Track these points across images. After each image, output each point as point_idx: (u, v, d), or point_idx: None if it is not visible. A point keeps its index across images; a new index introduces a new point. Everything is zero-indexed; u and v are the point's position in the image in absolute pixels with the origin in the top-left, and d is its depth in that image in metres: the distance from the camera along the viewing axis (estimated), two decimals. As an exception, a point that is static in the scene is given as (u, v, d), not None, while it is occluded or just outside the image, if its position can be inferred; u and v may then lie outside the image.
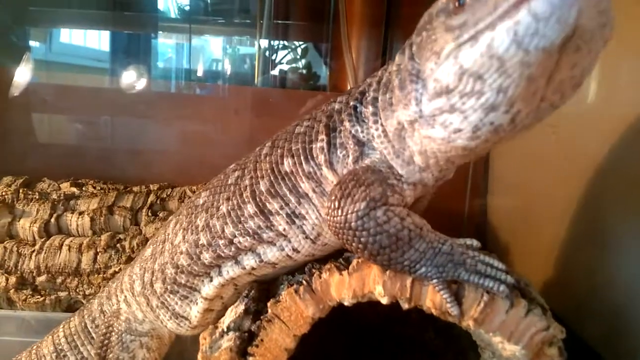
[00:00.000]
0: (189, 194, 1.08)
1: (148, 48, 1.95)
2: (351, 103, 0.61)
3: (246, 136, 1.22)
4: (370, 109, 0.58)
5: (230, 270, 0.66)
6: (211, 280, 0.68)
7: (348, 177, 0.55)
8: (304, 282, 0.62)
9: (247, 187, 0.64)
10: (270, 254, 0.64)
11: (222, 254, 0.65)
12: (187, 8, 1.98)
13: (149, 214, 1.05)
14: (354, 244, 0.53)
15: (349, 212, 0.52)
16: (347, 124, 0.60)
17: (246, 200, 0.64)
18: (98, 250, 1.01)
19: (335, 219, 0.53)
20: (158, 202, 1.08)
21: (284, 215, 0.62)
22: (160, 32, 1.98)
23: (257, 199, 0.63)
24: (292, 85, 1.85)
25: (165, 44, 2.17)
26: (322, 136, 0.60)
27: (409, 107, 0.50)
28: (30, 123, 1.38)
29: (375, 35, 1.42)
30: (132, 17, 1.75)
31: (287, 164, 0.62)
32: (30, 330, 0.99)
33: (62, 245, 1.03)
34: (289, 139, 0.64)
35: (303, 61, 1.91)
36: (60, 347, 0.80)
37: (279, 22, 1.70)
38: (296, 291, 0.61)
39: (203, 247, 0.67)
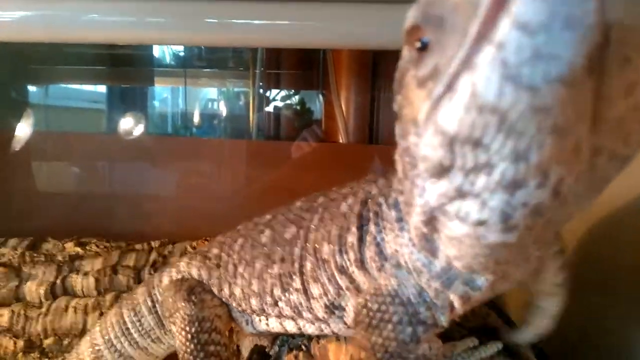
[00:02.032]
0: (189, 250, 1.11)
1: (144, 100, 2.02)
2: (379, 199, 0.50)
3: (244, 189, 1.26)
4: (394, 213, 0.46)
5: (276, 327, 0.65)
6: (266, 322, 0.66)
7: (375, 300, 0.46)
8: (302, 347, 0.65)
9: (298, 259, 0.58)
10: (310, 330, 0.61)
11: (266, 310, 0.63)
12: (182, 54, 2.06)
13: (152, 272, 1.08)
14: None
15: (377, 344, 0.45)
16: (372, 226, 0.49)
17: (296, 272, 0.58)
18: (103, 311, 1.03)
19: (362, 342, 0.48)
20: (160, 259, 1.11)
21: (323, 305, 0.56)
22: (156, 84, 2.05)
23: (303, 277, 0.57)
24: (287, 120, 1.91)
25: (161, 93, 2.24)
26: (354, 229, 0.51)
27: (415, 201, 0.36)
28: (32, 177, 1.42)
29: (364, 82, 1.48)
30: (129, 72, 1.82)
31: (325, 251, 0.55)
32: (38, 394, 1.00)
33: (67, 306, 1.05)
34: (332, 217, 0.56)
35: (296, 97, 1.98)
36: (95, 342, 0.75)
37: (271, 71, 1.77)
38: (296, 357, 0.63)
39: (253, 293, 0.63)
